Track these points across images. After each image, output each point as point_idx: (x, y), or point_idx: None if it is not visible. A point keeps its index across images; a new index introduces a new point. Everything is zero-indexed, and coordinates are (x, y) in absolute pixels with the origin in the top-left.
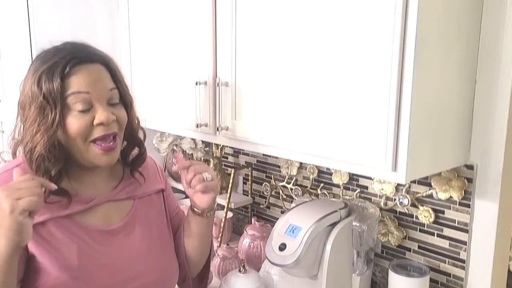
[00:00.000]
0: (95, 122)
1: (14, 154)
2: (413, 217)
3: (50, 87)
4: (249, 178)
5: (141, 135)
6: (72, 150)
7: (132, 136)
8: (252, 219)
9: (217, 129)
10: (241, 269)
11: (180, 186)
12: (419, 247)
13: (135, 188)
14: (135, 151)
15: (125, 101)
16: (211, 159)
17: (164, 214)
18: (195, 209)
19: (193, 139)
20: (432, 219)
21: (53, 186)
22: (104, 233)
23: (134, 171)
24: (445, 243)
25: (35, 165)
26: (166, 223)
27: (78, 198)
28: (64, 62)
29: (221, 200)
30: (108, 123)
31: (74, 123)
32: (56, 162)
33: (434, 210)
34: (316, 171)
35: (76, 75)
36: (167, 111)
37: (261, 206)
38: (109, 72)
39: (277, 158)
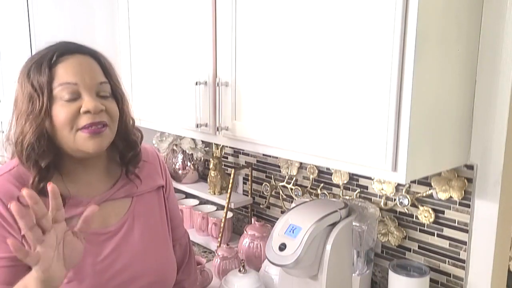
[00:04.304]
0: (82, 109)
1: (13, 156)
2: (413, 217)
3: (38, 76)
4: (249, 178)
5: (137, 137)
6: (61, 141)
7: (126, 135)
8: (252, 219)
9: (217, 129)
10: (241, 269)
11: (180, 186)
12: (419, 247)
13: (134, 186)
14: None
15: (116, 96)
16: (211, 159)
17: (164, 212)
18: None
19: (193, 139)
20: (432, 219)
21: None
22: (101, 236)
23: (129, 173)
24: (445, 243)
25: (25, 155)
26: (166, 221)
27: (75, 201)
28: (52, 52)
29: (221, 200)
30: (95, 111)
31: (61, 111)
32: (45, 153)
33: (434, 210)
34: (316, 171)
35: (63, 63)
36: (167, 111)
37: (261, 206)
38: (100, 66)
39: (277, 158)
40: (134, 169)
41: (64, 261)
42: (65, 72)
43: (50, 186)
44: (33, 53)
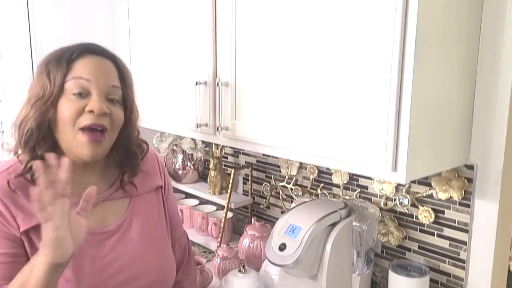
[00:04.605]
0: (86, 108)
1: (15, 154)
2: (413, 217)
3: (55, 69)
4: (249, 178)
5: (141, 149)
6: (60, 136)
7: (127, 145)
8: (252, 219)
9: (217, 129)
10: (241, 269)
11: (180, 186)
12: (419, 247)
13: (132, 187)
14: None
15: (126, 103)
16: (211, 159)
17: (163, 212)
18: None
19: (193, 139)
20: (432, 219)
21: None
22: (99, 235)
23: (123, 183)
24: (445, 243)
25: (24, 140)
26: (164, 221)
27: (72, 202)
28: (74, 49)
29: (221, 200)
30: (99, 113)
31: (67, 106)
32: (42, 141)
33: (434, 210)
34: (316, 171)
35: (81, 60)
36: (167, 111)
37: (261, 206)
38: (117, 71)
39: (277, 158)
40: (129, 179)
41: (71, 235)
42: (81, 68)
43: (67, 159)
44: (33, 53)
